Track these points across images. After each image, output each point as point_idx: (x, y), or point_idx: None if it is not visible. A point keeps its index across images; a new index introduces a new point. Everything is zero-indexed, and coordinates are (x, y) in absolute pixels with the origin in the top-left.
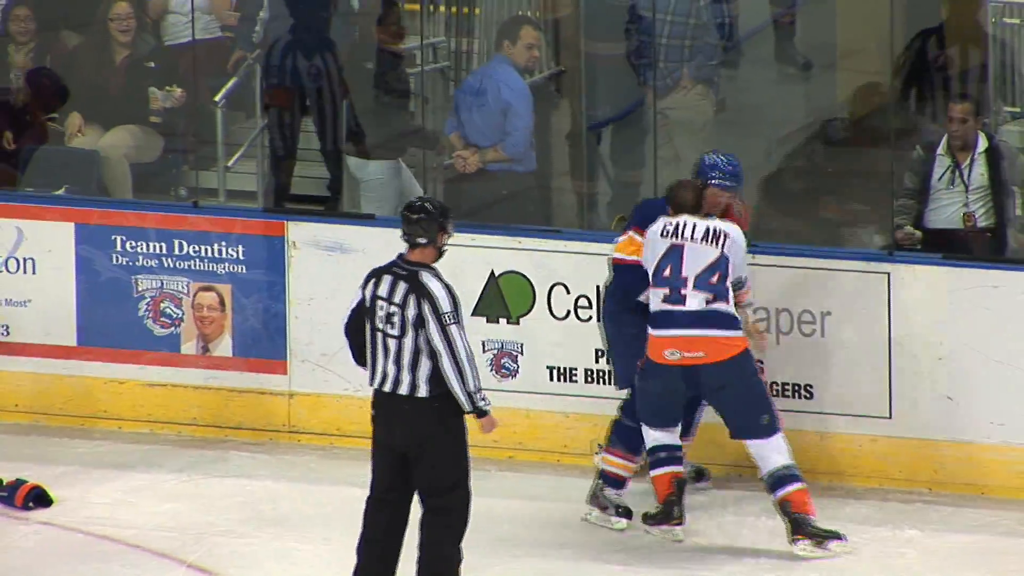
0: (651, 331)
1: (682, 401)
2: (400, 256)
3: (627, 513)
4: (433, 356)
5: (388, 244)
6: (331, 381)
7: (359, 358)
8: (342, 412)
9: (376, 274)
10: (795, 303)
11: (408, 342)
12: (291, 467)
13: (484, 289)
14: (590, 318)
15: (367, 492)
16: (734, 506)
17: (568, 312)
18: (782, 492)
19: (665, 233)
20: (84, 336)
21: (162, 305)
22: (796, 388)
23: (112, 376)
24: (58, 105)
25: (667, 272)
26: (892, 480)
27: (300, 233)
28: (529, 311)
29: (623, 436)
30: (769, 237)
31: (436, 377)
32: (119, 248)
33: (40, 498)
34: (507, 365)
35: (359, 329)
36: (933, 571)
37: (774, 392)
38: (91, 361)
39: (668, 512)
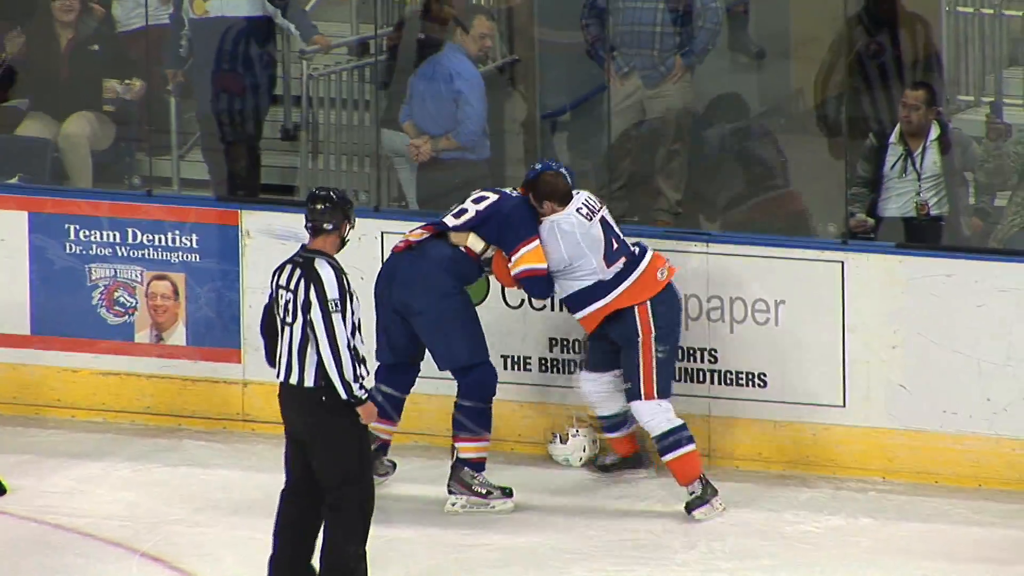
0: (627, 283)
1: None
2: (303, 246)
3: (509, 492)
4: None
5: None
6: None
7: (271, 357)
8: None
9: (281, 265)
10: (749, 291)
11: (297, 329)
12: (245, 455)
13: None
14: (544, 307)
15: None
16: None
17: (522, 301)
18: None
19: (588, 217)
20: (37, 325)
21: (116, 294)
22: (750, 376)
23: (66, 365)
24: (6, 91)
25: (615, 244)
26: (846, 469)
27: (254, 222)
28: (484, 300)
29: (479, 418)
30: (724, 226)
31: (322, 366)
32: (73, 237)
33: None
34: None
35: (272, 326)
36: (888, 560)
37: (728, 381)
38: (44, 350)
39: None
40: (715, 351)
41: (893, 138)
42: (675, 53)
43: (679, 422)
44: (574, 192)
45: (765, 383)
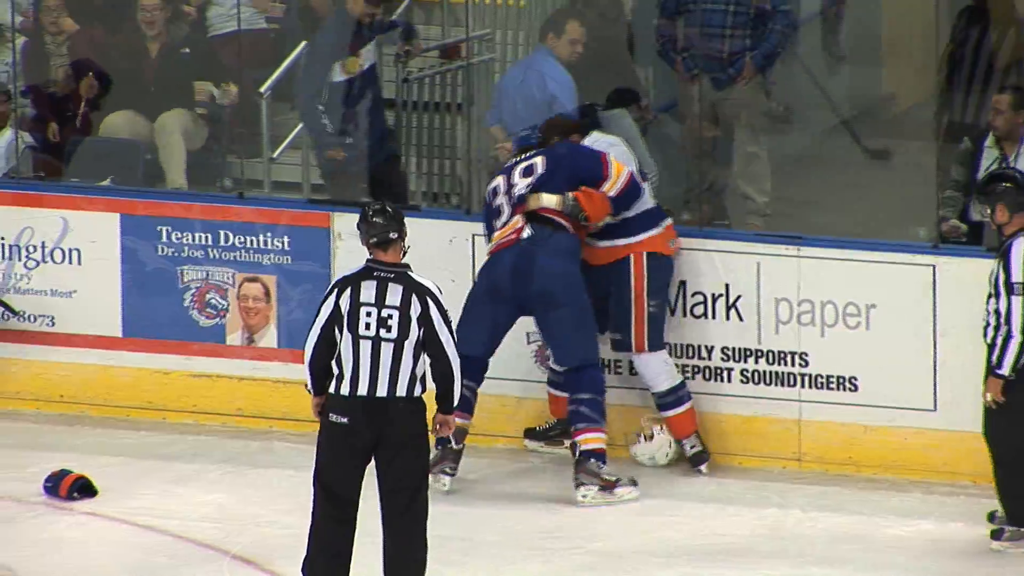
0: (659, 227)
1: None
2: (374, 260)
3: (635, 481)
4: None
5: (430, 235)
6: None
7: (321, 381)
8: None
9: (349, 281)
10: (840, 295)
11: (406, 344)
12: None
13: None
14: None
15: None
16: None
17: None
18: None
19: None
20: (129, 327)
21: (207, 296)
22: (841, 380)
23: (157, 367)
24: (102, 95)
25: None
26: (936, 473)
27: (345, 224)
28: None
29: (597, 412)
30: (815, 230)
31: (422, 378)
32: (164, 239)
33: (84, 488)
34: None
35: (330, 344)
36: (979, 564)
37: (818, 385)
38: (136, 352)
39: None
40: (806, 355)
41: (988, 142)
42: (745, 55)
43: (679, 379)
44: None
45: (856, 387)
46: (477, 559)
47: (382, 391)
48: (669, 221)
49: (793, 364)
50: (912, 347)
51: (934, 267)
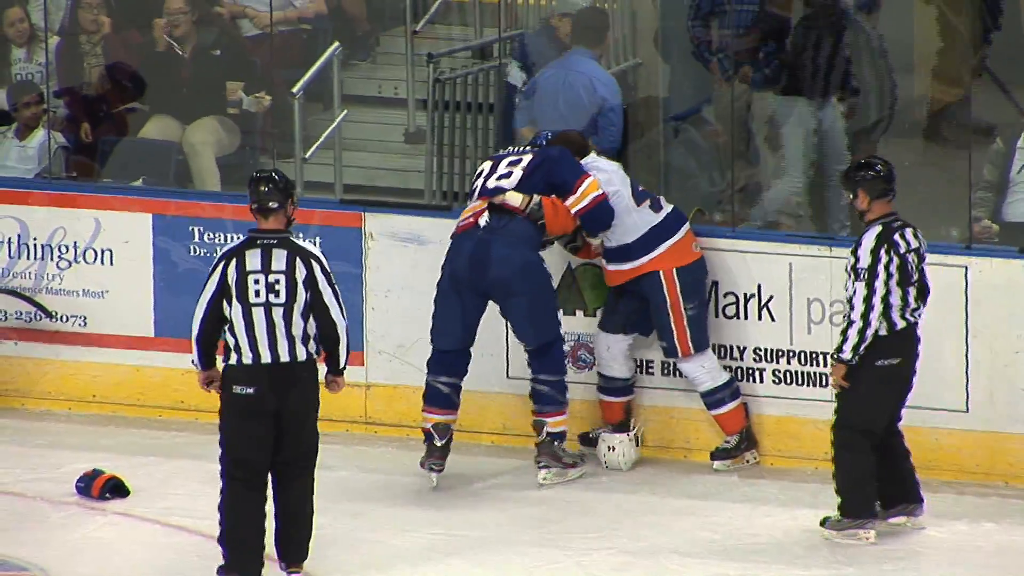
0: (668, 243)
1: None
2: (255, 230)
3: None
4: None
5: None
6: (408, 373)
7: (210, 354)
8: (418, 404)
9: (234, 253)
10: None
11: (293, 308)
12: (368, 458)
13: (561, 281)
14: None
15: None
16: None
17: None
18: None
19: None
20: (161, 327)
21: None
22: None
23: (189, 367)
24: (135, 96)
25: (640, 187)
26: (968, 474)
27: (377, 225)
28: (606, 303)
29: (558, 393)
30: (848, 230)
31: (327, 339)
32: (197, 239)
33: (117, 489)
34: (583, 357)
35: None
36: (1011, 564)
37: None
38: (168, 352)
39: (741, 443)
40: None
41: (1021, 142)
42: (779, 57)
43: (724, 378)
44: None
45: None
46: (511, 558)
47: (284, 356)
48: (686, 227)
49: (825, 364)
50: (944, 347)
51: (966, 268)
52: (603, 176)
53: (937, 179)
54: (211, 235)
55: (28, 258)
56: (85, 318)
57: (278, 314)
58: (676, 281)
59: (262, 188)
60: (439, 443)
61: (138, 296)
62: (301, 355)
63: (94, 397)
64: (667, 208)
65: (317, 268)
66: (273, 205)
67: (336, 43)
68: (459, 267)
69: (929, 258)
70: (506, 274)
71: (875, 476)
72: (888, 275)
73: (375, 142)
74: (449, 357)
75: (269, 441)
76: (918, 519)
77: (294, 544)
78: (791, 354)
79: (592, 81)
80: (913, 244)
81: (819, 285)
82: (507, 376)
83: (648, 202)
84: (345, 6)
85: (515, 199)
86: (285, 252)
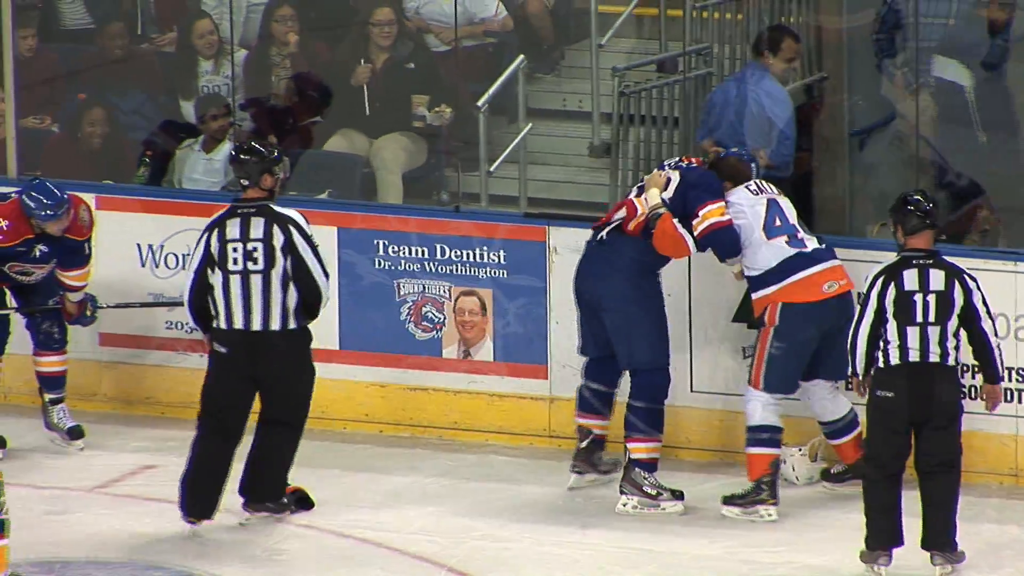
0: (790, 279)
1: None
2: (238, 199)
3: (681, 495)
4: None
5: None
6: None
7: (205, 317)
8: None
9: (218, 222)
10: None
11: (272, 274)
12: (551, 471)
13: (744, 297)
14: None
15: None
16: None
17: None
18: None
19: (755, 192)
20: (346, 340)
21: (424, 309)
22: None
23: (373, 380)
24: (322, 109)
25: (777, 222)
26: None
27: (561, 238)
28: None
29: (651, 420)
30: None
31: (297, 310)
32: (381, 252)
33: (301, 501)
34: None
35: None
36: None
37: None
38: (352, 365)
39: (758, 491)
40: (1023, 371)
41: None
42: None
43: (772, 422)
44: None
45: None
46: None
47: (257, 324)
48: (819, 267)
49: (1010, 380)
50: None
51: None
52: (734, 208)
53: None
54: (395, 248)
55: None
56: None
57: (256, 281)
58: (777, 315)
59: (234, 166)
60: (581, 445)
61: (323, 308)
62: (275, 324)
63: None
64: (808, 245)
65: (296, 232)
66: (244, 183)
67: (521, 56)
68: (574, 279)
69: None
70: (600, 290)
71: (891, 508)
72: (881, 308)
73: (560, 155)
74: (591, 364)
75: (242, 398)
76: (944, 568)
77: (255, 484)
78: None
79: (762, 96)
80: (934, 286)
81: (1005, 300)
82: (691, 390)
83: (785, 238)
84: (531, 20)
85: (653, 197)
86: (263, 220)
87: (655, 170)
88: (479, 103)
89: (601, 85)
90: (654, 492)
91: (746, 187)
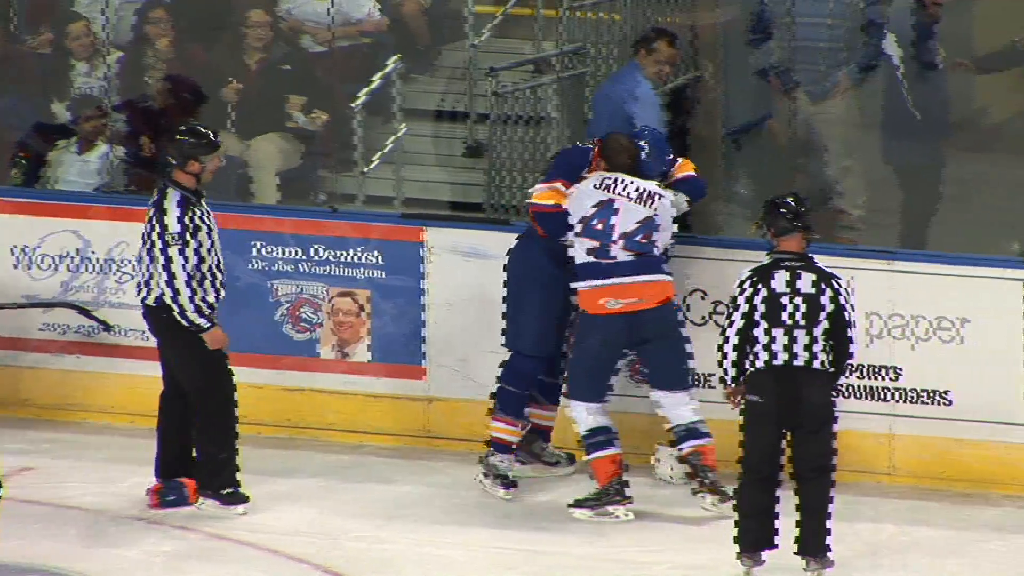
0: (580, 285)
1: (616, 363)
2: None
3: (507, 483)
4: None
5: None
6: (469, 387)
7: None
8: (480, 418)
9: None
10: (932, 309)
11: (146, 252)
12: (429, 472)
13: None
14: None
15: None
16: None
17: (704, 318)
18: (693, 444)
19: (600, 186)
20: None
21: (300, 310)
22: (933, 395)
23: (250, 381)
24: (196, 110)
25: (597, 225)
26: None
27: (437, 239)
28: None
29: (506, 402)
30: (909, 243)
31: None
32: (256, 253)
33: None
34: (644, 371)
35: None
36: None
37: (911, 399)
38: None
39: (607, 494)
40: (898, 369)
41: None
42: (841, 68)
43: (601, 424)
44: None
45: (948, 401)
46: (570, 569)
47: (139, 294)
48: (609, 281)
49: (885, 378)
50: (1005, 361)
51: None
52: (572, 194)
53: (998, 192)
54: (271, 249)
55: (89, 272)
56: (145, 332)
57: (144, 253)
58: (578, 319)
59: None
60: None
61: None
62: (151, 299)
63: (154, 411)
64: (616, 257)
65: (157, 225)
66: (172, 162)
67: (397, 57)
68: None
69: (989, 271)
70: (509, 270)
71: (764, 511)
72: (751, 310)
73: (435, 156)
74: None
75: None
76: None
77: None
78: (851, 367)
79: (625, 96)
80: (803, 288)
81: (879, 299)
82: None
83: (594, 243)
84: (406, 20)
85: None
86: (155, 198)
87: None
88: (354, 104)
89: (476, 85)
90: (491, 472)
91: (598, 178)
